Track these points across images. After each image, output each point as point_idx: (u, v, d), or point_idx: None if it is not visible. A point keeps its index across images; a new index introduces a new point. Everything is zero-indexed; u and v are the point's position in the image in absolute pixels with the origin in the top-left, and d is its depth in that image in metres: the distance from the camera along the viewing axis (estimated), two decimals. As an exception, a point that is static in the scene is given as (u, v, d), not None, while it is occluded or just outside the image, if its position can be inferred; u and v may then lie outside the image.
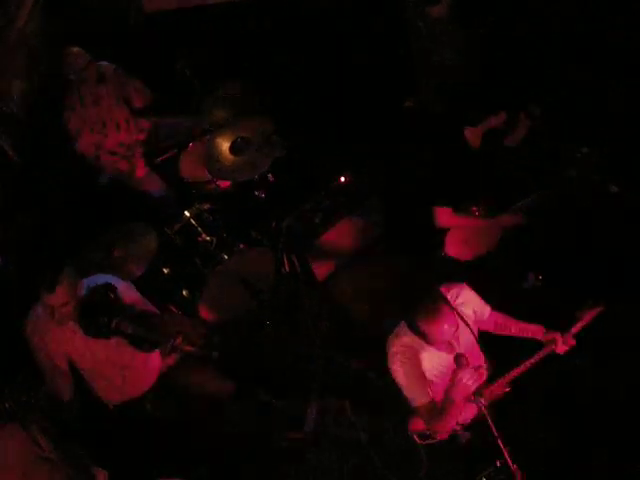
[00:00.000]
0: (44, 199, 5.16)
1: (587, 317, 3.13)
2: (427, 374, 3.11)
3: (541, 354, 3.12)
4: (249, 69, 5.57)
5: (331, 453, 4.14)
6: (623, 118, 4.26)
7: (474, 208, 4.00)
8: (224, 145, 4.46)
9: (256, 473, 4.15)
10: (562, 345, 3.10)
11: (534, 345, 3.22)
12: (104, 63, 4.61)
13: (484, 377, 3.15)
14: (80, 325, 3.15)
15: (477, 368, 2.92)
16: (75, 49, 4.37)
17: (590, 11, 4.35)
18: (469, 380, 2.87)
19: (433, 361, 3.08)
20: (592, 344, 3.40)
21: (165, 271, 4.39)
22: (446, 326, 2.80)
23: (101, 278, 3.39)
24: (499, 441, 2.71)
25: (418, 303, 2.87)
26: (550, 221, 4.30)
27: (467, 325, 2.93)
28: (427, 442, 3.37)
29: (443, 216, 3.90)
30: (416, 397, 3.08)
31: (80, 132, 4.51)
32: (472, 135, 3.88)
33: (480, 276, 4.33)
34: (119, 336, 3.14)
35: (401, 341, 3.06)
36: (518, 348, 3.28)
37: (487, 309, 3.23)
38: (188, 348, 3.37)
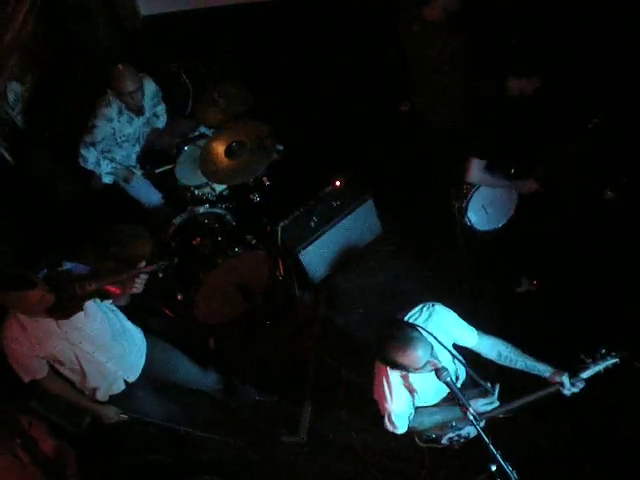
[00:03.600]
0: (38, 201, 5.17)
1: (602, 366, 2.93)
2: (420, 397, 3.10)
3: (546, 392, 2.99)
4: (244, 72, 5.57)
5: (325, 457, 4.16)
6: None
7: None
8: (219, 149, 4.46)
9: (251, 477, 4.16)
10: (570, 389, 2.97)
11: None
12: (150, 83, 4.64)
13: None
14: (54, 311, 3.08)
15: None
16: (130, 70, 4.33)
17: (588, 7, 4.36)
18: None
19: (421, 383, 3.06)
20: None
21: (160, 274, 4.38)
22: (419, 352, 2.73)
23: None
24: (491, 447, 2.70)
25: (384, 341, 2.81)
26: (546, 226, 4.32)
27: (440, 344, 2.90)
28: (429, 445, 3.35)
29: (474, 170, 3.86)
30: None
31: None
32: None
33: (474, 281, 4.40)
34: (88, 299, 3.16)
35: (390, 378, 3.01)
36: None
37: (470, 331, 3.13)
38: (150, 268, 3.43)
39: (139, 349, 3.62)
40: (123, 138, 4.64)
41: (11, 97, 5.21)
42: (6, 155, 5.05)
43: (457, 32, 4.21)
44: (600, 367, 2.93)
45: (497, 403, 3.02)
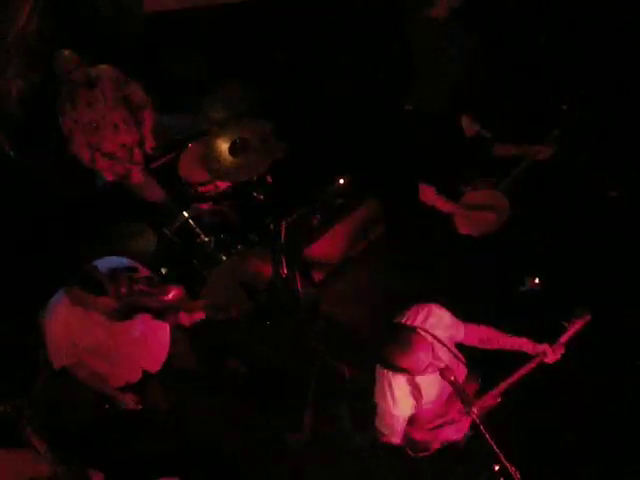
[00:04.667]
0: (42, 198, 5.17)
1: (576, 326, 3.10)
2: (424, 399, 3.09)
3: (531, 365, 3.09)
4: (248, 70, 5.57)
5: (328, 457, 4.15)
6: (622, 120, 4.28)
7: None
8: (223, 146, 4.45)
9: (252, 476, 4.15)
10: (552, 356, 3.07)
11: (524, 355, 3.19)
12: (101, 66, 4.57)
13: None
14: (115, 312, 3.24)
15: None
16: (66, 52, 4.35)
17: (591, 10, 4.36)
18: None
19: (426, 385, 3.05)
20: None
21: (163, 271, 4.38)
22: (421, 354, 2.72)
23: (108, 261, 3.39)
24: (494, 447, 2.69)
25: (385, 346, 2.81)
26: (549, 225, 4.31)
27: (441, 343, 2.88)
28: (419, 454, 3.33)
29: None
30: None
31: (72, 134, 4.48)
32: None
33: (477, 280, 4.39)
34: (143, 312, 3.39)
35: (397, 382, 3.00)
36: (508, 359, 3.23)
37: (460, 326, 3.16)
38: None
39: (162, 343, 3.75)
40: (94, 125, 4.51)
41: (15, 95, 5.22)
42: (9, 152, 5.06)
43: (462, 31, 4.23)
44: (576, 327, 3.10)
45: None
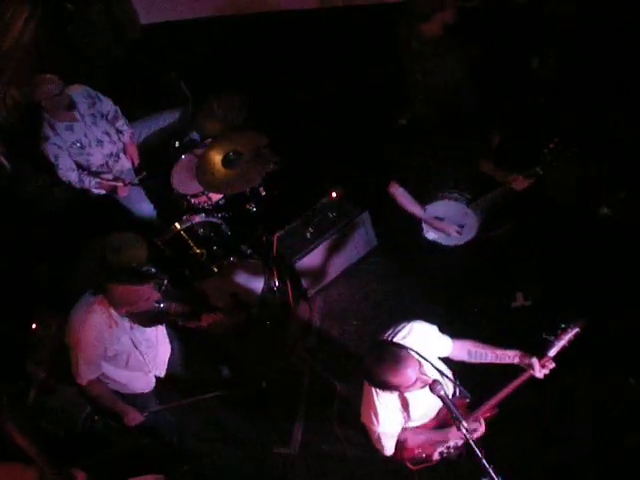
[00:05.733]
0: (35, 206, 5.17)
1: (565, 340, 3.07)
2: (414, 414, 3.10)
3: (521, 379, 3.08)
4: (243, 82, 5.59)
5: (318, 469, 4.14)
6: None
7: None
8: (217, 158, 4.46)
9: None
10: (540, 370, 3.04)
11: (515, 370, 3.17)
12: (74, 87, 4.58)
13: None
14: (146, 316, 3.31)
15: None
16: (48, 76, 4.36)
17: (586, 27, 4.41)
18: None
19: (415, 400, 3.05)
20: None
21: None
22: (410, 370, 2.71)
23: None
24: (483, 461, 2.69)
25: (372, 364, 2.77)
26: (540, 242, 4.33)
27: (426, 360, 2.88)
28: (420, 467, 3.33)
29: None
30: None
31: (58, 158, 4.51)
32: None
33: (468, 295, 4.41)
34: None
35: (382, 400, 2.98)
36: (497, 373, 3.24)
37: (448, 341, 3.15)
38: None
39: (167, 349, 3.83)
40: (78, 145, 4.57)
41: (9, 103, 5.22)
42: (3, 161, 5.06)
43: (456, 48, 4.26)
44: (563, 341, 3.05)
45: None
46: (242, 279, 4.42)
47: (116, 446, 3.99)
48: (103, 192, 4.78)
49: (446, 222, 4.13)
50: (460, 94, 4.35)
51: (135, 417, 3.62)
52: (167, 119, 5.20)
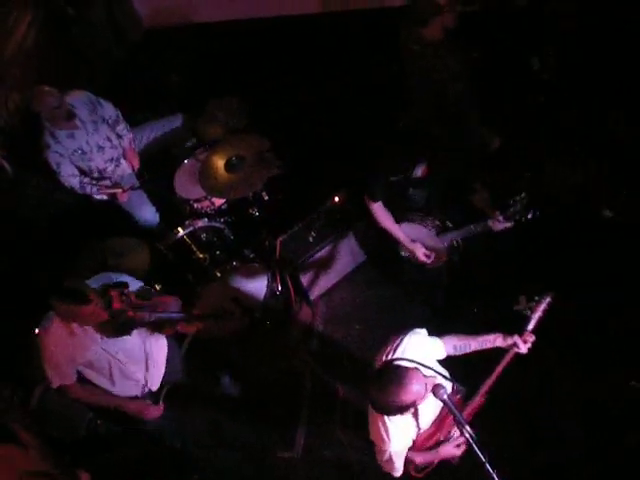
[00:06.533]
0: (37, 211, 5.18)
1: (540, 311, 3.16)
2: (423, 423, 3.09)
3: (507, 359, 3.14)
4: (245, 86, 5.60)
5: (320, 473, 4.14)
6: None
7: None
8: (219, 162, 4.47)
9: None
10: (524, 345, 3.11)
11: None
12: (74, 92, 4.54)
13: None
14: (110, 328, 3.25)
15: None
16: (47, 88, 4.33)
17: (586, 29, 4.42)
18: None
19: (423, 408, 3.03)
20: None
21: (157, 287, 4.37)
22: (415, 384, 2.69)
23: (98, 278, 3.41)
24: (487, 465, 2.69)
25: (379, 392, 2.74)
26: (540, 242, 4.34)
27: (428, 367, 2.85)
28: (425, 472, 3.34)
29: None
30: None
31: (60, 165, 4.50)
32: None
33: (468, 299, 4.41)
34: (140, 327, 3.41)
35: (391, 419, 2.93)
36: (481, 360, 3.27)
37: (439, 343, 3.15)
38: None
39: (162, 361, 3.78)
40: (79, 152, 4.54)
41: (11, 107, 5.23)
42: (5, 165, 5.06)
43: (457, 50, 4.27)
44: (538, 312, 3.16)
45: None
46: (245, 284, 4.42)
47: (119, 451, 3.99)
48: (105, 197, 4.79)
49: (418, 244, 4.01)
50: (461, 95, 4.36)
51: (152, 411, 3.65)
52: (167, 125, 5.18)
